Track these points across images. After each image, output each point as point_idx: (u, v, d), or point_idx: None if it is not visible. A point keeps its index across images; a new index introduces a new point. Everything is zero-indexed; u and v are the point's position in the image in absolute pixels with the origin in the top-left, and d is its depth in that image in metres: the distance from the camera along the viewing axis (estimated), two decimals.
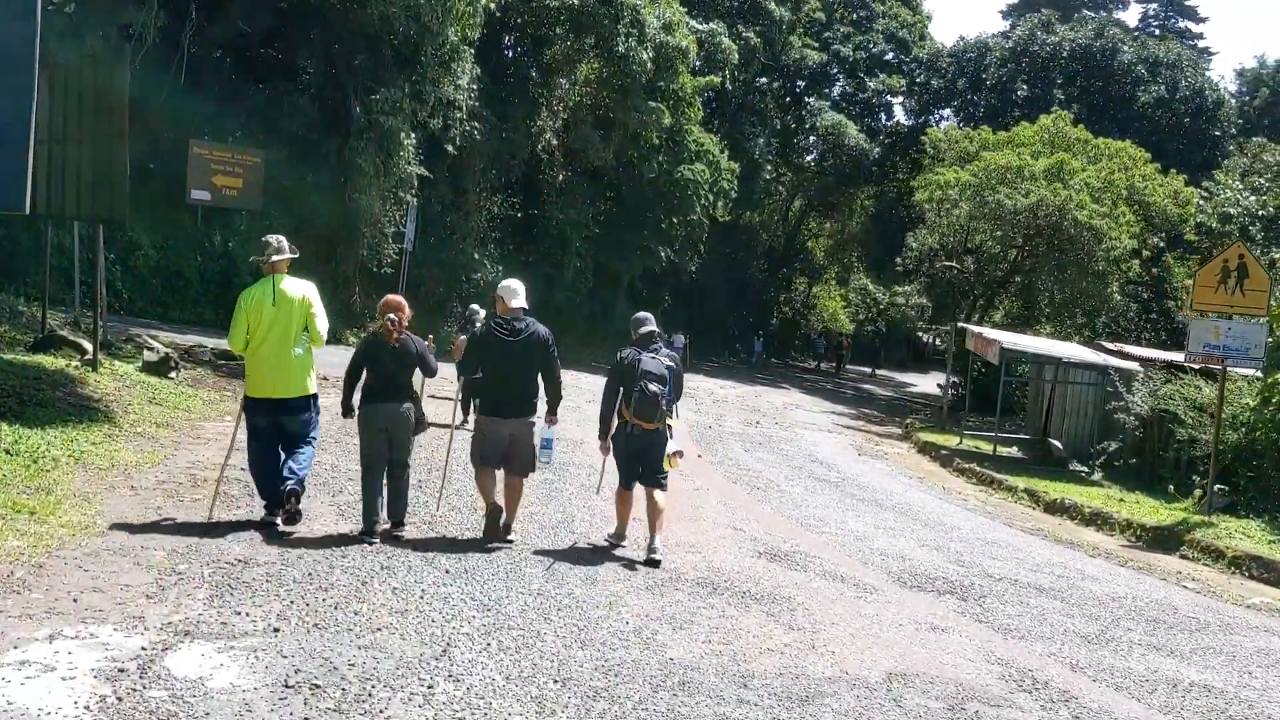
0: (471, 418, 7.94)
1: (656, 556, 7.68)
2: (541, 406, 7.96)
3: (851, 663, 5.96)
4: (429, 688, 4.72)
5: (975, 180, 28.10)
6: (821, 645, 6.24)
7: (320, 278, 25.20)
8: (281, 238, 7.49)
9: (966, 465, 18.64)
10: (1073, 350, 21.91)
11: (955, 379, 31.89)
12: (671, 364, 7.92)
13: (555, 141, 31.65)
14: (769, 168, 40.23)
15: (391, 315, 7.44)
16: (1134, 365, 19.68)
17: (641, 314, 8.36)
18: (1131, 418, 18.28)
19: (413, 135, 24.28)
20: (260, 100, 23.64)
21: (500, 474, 7.83)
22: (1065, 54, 41.21)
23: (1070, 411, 22.34)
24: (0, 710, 3.99)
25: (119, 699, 4.20)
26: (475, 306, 16.62)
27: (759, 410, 25.98)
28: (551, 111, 31.19)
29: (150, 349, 14.45)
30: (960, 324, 25.55)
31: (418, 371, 7.68)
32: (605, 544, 8.18)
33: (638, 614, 6.36)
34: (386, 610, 5.74)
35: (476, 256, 30.34)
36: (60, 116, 12.68)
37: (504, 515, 7.70)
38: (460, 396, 10.16)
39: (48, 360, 12.18)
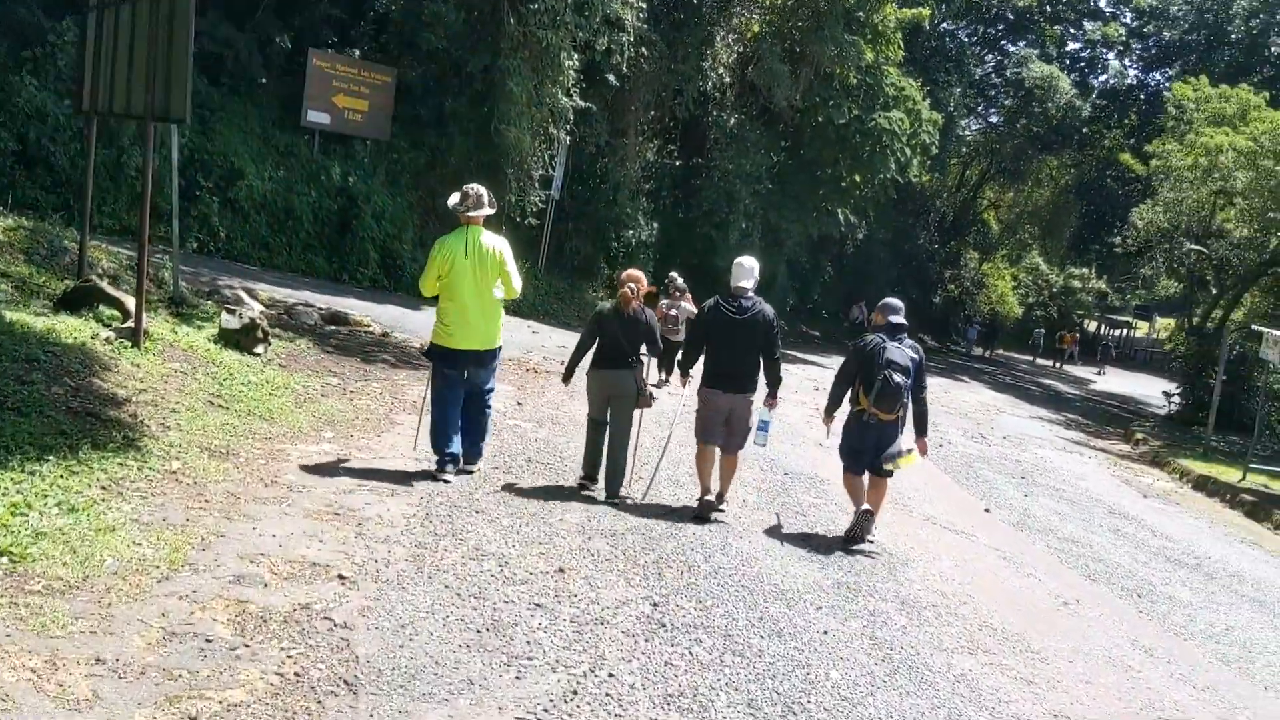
0: (668, 376, 8.26)
1: (871, 537, 7.50)
2: (761, 388, 7.67)
3: None
4: None
5: (1254, 147, 22.48)
6: None
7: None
8: (482, 189, 7.35)
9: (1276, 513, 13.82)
10: None
11: (1177, 387, 26.67)
12: (916, 356, 7.57)
13: (728, 79, 26.89)
14: (963, 123, 34.54)
15: (631, 285, 7.59)
16: None
17: (892, 300, 7.93)
18: None
19: (574, 56, 19.84)
20: (394, 6, 19.46)
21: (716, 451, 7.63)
22: None
23: None
24: None
25: None
26: (674, 274, 14.96)
27: (964, 414, 21.30)
28: (726, 43, 26.44)
29: (232, 309, 10.34)
30: (1255, 327, 20.09)
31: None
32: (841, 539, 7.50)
33: None
34: None
35: (630, 212, 25.88)
36: None
37: (718, 487, 7.70)
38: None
39: (70, 326, 8.10)
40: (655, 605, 5.27)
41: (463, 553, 5.55)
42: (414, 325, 15.27)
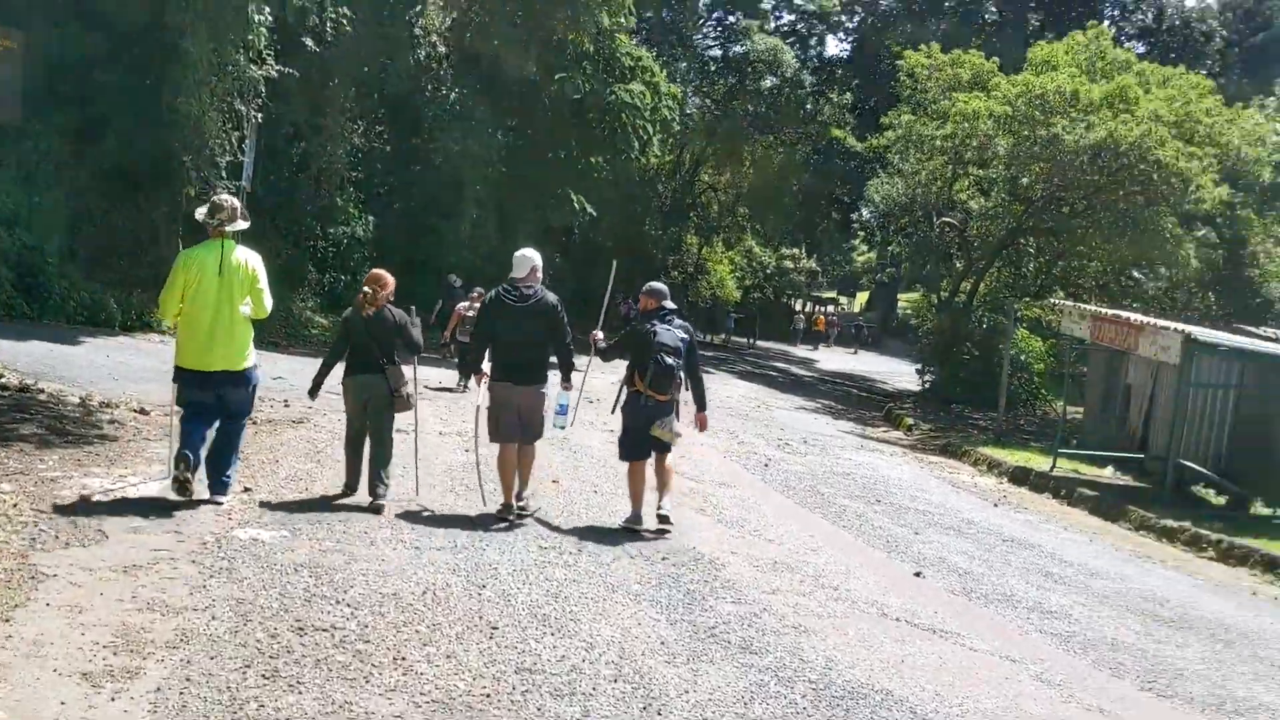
0: (475, 384, 8.02)
1: (664, 512, 7.76)
2: (554, 375, 7.72)
3: None
4: None
5: (1010, 111, 21.59)
6: None
7: (123, 226, 16.52)
8: (236, 201, 6.88)
9: (1131, 511, 12.80)
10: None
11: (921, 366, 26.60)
12: (686, 336, 7.81)
13: (443, 48, 23.43)
14: (695, 100, 32.59)
15: (366, 288, 7.47)
16: None
17: (656, 285, 8.21)
18: None
19: (265, 11, 15.83)
20: None
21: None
22: None
23: (1193, 419, 15.90)
24: None
25: None
26: (453, 276, 15.47)
27: (742, 414, 19.41)
28: (439, 5, 22.97)
29: None
30: (1056, 300, 18.97)
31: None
32: (623, 529, 7.70)
33: None
34: None
35: (339, 203, 22.00)
36: None
37: (518, 484, 7.70)
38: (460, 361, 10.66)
39: None
40: None
41: None
42: (71, 369, 11.02)
